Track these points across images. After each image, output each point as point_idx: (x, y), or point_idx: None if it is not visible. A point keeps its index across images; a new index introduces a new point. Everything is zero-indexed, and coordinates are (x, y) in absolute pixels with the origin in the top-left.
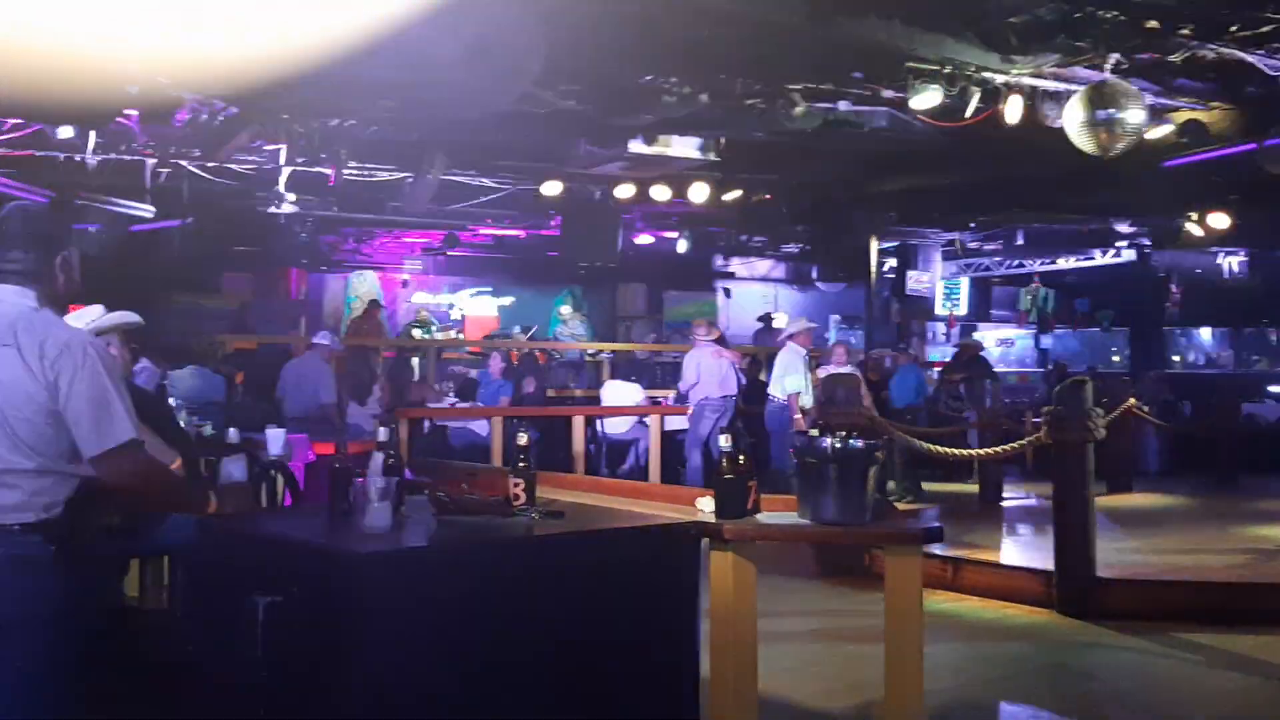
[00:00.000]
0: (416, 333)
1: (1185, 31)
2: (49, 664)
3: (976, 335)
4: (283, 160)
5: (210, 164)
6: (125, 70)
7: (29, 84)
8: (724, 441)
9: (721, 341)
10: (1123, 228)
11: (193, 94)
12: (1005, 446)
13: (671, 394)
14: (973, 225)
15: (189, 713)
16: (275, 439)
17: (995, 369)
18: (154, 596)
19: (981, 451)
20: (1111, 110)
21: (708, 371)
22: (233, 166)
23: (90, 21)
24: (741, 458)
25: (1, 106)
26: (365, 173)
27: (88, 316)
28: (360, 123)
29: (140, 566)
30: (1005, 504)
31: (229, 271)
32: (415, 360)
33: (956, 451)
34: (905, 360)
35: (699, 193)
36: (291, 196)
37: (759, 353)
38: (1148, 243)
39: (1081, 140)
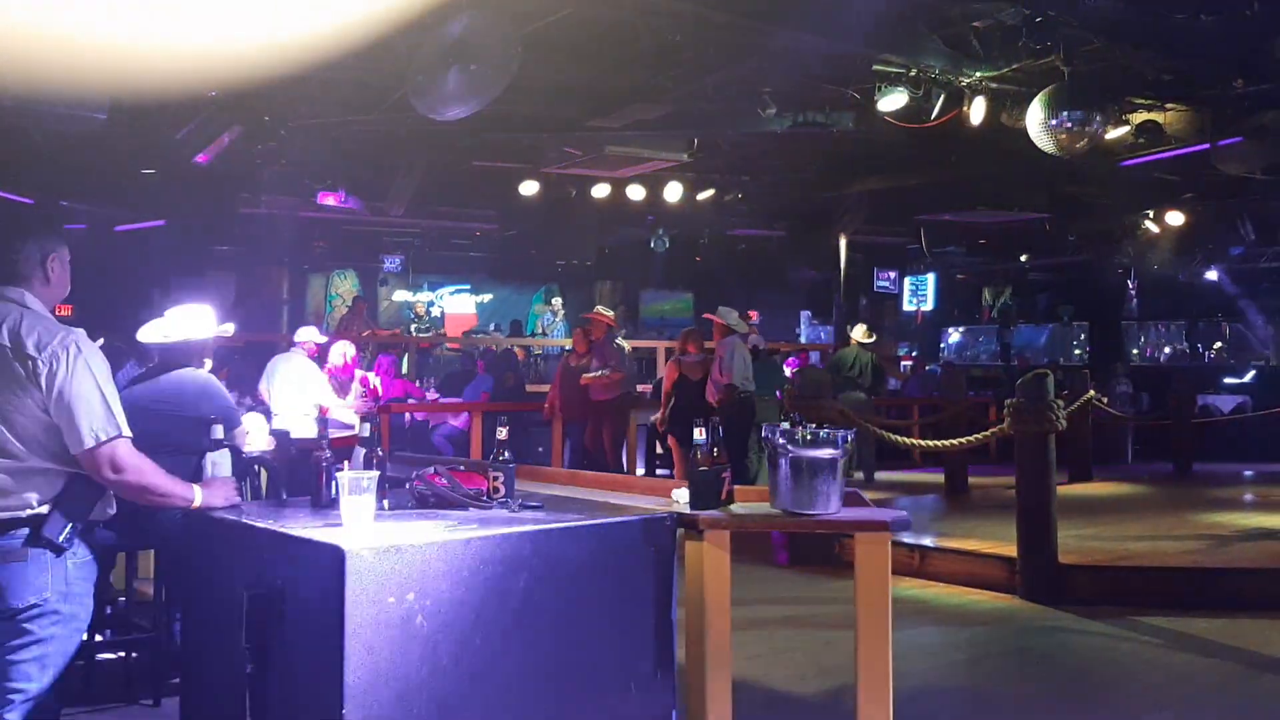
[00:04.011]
0: (414, 328)
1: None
2: (36, 656)
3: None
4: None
5: (194, 164)
6: (114, 68)
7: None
8: (697, 434)
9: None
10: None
11: (180, 92)
12: (970, 437)
13: (646, 389)
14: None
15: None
16: (259, 434)
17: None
18: (141, 589)
19: (947, 442)
20: (1071, 111)
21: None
22: (215, 166)
23: (76, 16)
24: (715, 450)
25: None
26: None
27: (197, 318)
28: (342, 123)
29: (127, 559)
30: (970, 493)
31: (212, 270)
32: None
33: (925, 443)
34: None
35: (673, 192)
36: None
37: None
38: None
39: (1042, 141)
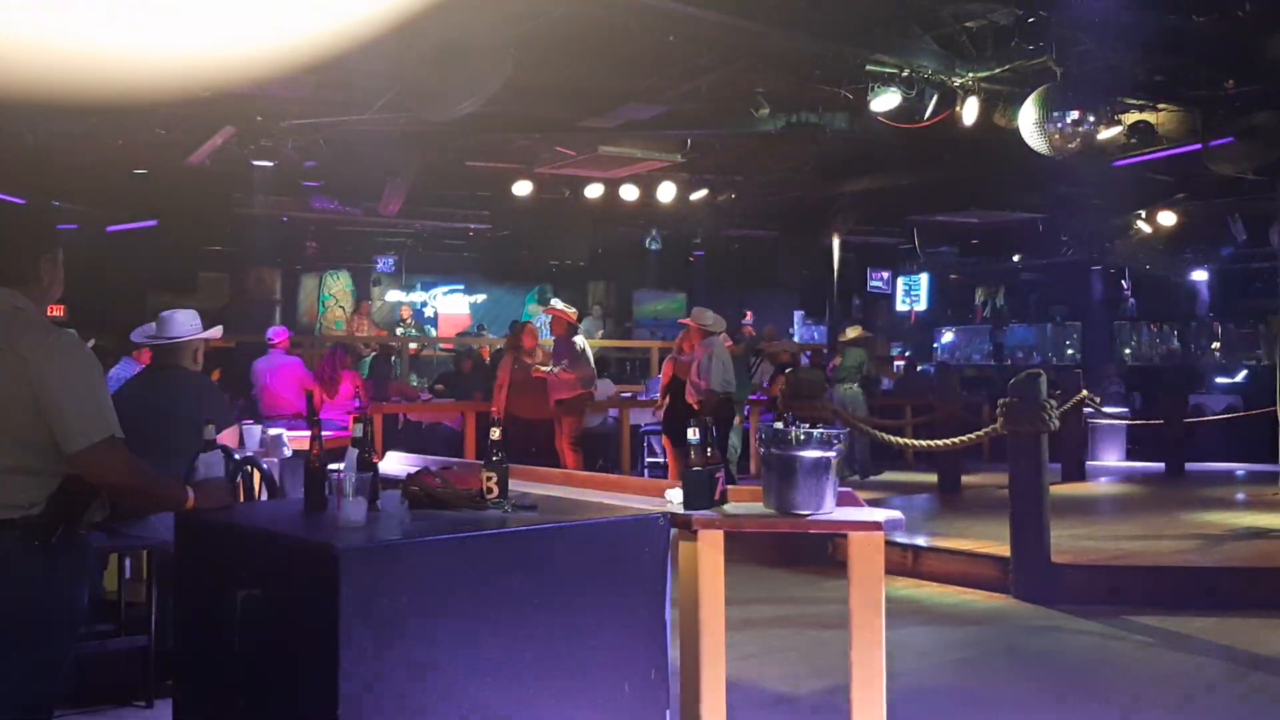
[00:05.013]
0: (400, 331)
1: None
2: (30, 659)
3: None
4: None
5: (185, 164)
6: (106, 70)
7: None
8: (691, 434)
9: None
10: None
11: (173, 93)
12: (963, 437)
13: (639, 390)
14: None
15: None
16: (251, 435)
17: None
18: (133, 591)
19: (940, 442)
20: (1063, 111)
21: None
22: (208, 166)
23: (75, 16)
24: (709, 450)
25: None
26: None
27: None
28: (335, 124)
29: (120, 561)
30: (963, 493)
31: (204, 271)
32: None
33: (918, 443)
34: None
35: (667, 192)
36: None
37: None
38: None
39: (1035, 141)
